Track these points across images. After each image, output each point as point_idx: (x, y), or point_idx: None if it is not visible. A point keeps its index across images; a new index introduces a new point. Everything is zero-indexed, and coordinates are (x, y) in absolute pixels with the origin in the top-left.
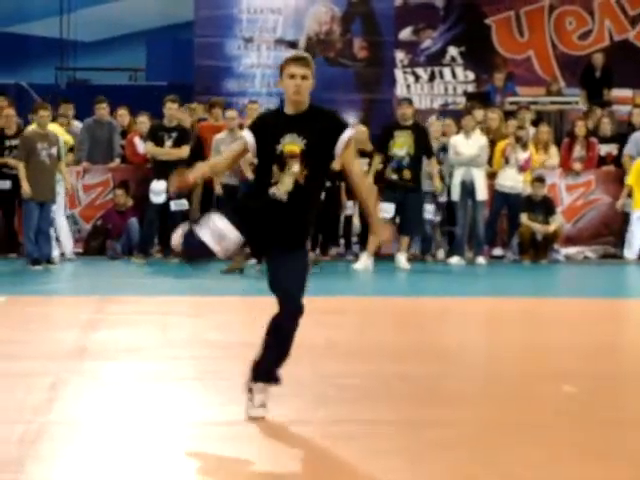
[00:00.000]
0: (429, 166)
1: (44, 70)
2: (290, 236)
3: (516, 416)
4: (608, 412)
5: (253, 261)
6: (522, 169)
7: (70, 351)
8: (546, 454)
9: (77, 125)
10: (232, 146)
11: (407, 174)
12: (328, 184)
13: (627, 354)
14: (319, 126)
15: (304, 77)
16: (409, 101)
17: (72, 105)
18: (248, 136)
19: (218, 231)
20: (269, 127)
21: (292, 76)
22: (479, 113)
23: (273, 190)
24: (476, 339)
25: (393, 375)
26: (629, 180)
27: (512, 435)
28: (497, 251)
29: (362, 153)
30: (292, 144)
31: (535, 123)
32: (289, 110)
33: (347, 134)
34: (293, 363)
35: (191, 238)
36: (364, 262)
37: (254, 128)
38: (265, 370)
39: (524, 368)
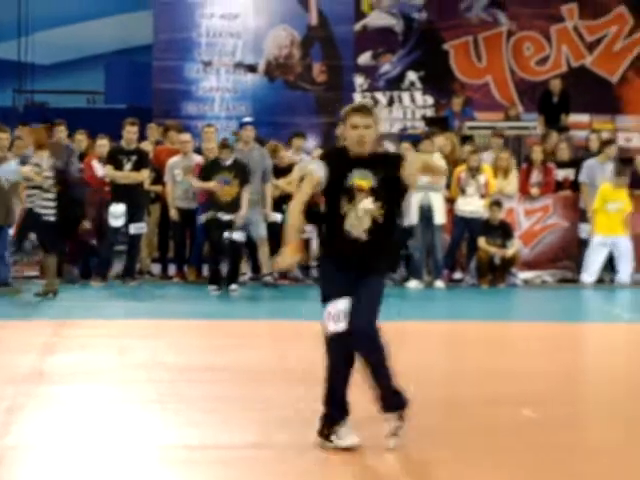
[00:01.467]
0: None
1: (1, 93)
2: (370, 269)
3: (475, 441)
4: (566, 437)
5: (212, 287)
6: (483, 195)
7: (27, 375)
8: (503, 477)
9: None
10: (303, 188)
11: None
12: (285, 207)
13: (585, 378)
14: (383, 163)
15: (367, 127)
16: None
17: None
18: (318, 167)
19: (337, 314)
20: (336, 162)
21: (355, 127)
22: (439, 140)
23: (348, 227)
24: (434, 363)
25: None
26: (595, 205)
27: (471, 459)
28: (456, 275)
29: None
30: (361, 179)
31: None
32: (353, 153)
33: (406, 161)
34: (253, 388)
35: None
36: None
37: (324, 159)
38: (385, 399)
39: (483, 392)
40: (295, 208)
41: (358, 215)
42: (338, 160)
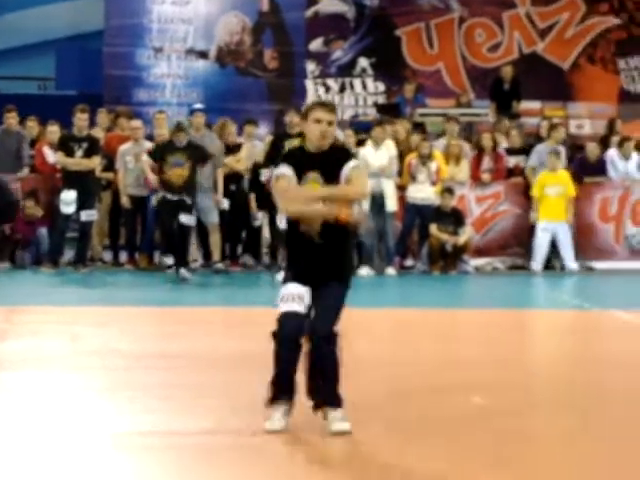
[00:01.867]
0: None
1: None
2: (329, 271)
3: (424, 427)
4: (514, 424)
5: (183, 270)
6: (434, 182)
7: None
8: (456, 465)
9: None
10: (285, 186)
11: None
12: (233, 187)
13: (534, 365)
14: (334, 162)
15: (330, 123)
16: (296, 109)
17: None
18: (286, 170)
19: (297, 295)
20: (295, 163)
21: (318, 121)
22: (394, 126)
23: (304, 228)
24: (384, 350)
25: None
26: (534, 192)
27: (419, 445)
28: (408, 262)
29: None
30: (314, 182)
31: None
32: (311, 149)
33: (351, 164)
34: (205, 375)
35: None
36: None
37: (286, 162)
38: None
39: (433, 380)
40: (293, 189)
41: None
42: (297, 161)
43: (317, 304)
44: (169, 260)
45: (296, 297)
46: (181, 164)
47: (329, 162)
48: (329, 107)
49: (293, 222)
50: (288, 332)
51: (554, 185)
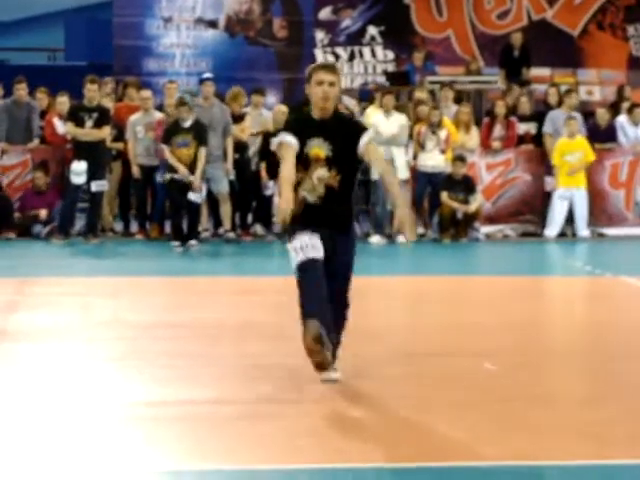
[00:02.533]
0: None
1: None
2: (334, 227)
3: (437, 394)
4: (525, 389)
5: (175, 243)
6: (442, 150)
7: None
8: (466, 431)
9: None
10: (286, 156)
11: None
12: (237, 156)
13: (546, 330)
14: (343, 132)
15: (332, 84)
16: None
17: None
18: (289, 138)
19: (312, 244)
20: (298, 130)
21: (320, 82)
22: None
23: (304, 194)
24: (397, 318)
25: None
26: (554, 161)
27: (433, 412)
28: (419, 230)
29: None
30: (319, 148)
31: (456, 102)
32: (316, 114)
33: (367, 136)
34: (214, 344)
35: None
36: None
37: (288, 129)
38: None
39: (445, 345)
40: (285, 171)
41: (313, 183)
42: (300, 127)
43: (332, 268)
44: (178, 247)
45: (310, 245)
46: (187, 144)
47: (337, 131)
48: (330, 68)
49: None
50: (313, 273)
51: (573, 152)
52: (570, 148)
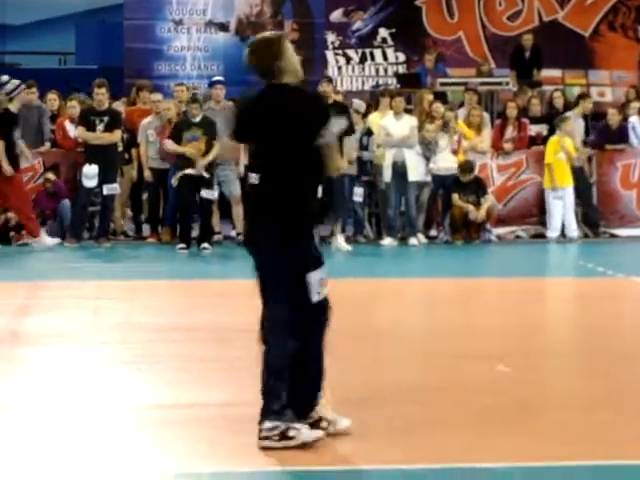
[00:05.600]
0: (347, 145)
1: None
2: None
3: (449, 396)
4: (537, 391)
5: (181, 245)
6: (455, 152)
7: (1, 337)
8: (477, 433)
9: None
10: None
11: None
12: None
13: (558, 332)
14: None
15: None
16: (328, 79)
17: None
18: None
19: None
20: None
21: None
22: (385, 101)
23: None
24: (409, 320)
25: (330, 356)
26: (547, 159)
27: (443, 414)
28: (431, 232)
29: None
30: None
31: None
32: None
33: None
34: (226, 347)
35: None
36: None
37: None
38: None
39: (457, 348)
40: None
41: None
42: None
43: None
44: (183, 250)
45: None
46: (197, 138)
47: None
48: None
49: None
50: None
51: (562, 150)
52: (559, 147)
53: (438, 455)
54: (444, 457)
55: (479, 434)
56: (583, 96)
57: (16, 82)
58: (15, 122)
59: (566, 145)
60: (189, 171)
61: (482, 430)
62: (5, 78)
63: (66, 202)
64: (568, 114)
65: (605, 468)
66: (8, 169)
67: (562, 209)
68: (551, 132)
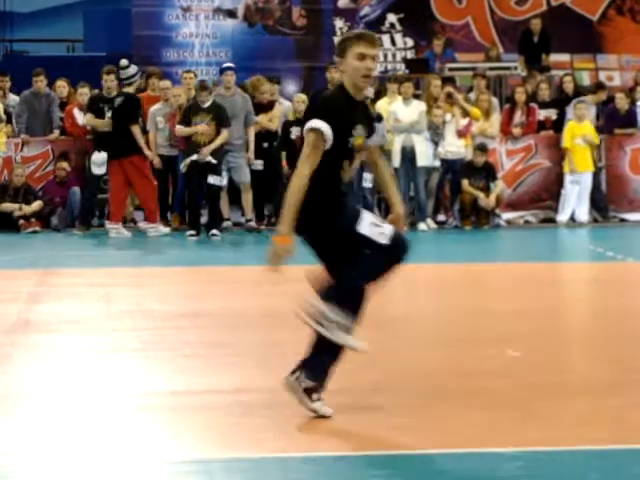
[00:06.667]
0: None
1: None
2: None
3: (461, 380)
4: (548, 376)
5: (191, 232)
6: (461, 135)
7: (13, 324)
8: (488, 417)
9: (13, 98)
10: (314, 153)
11: None
12: (266, 145)
13: (569, 316)
14: (369, 116)
15: (374, 58)
16: (336, 65)
17: (8, 77)
18: (324, 127)
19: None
20: (340, 118)
21: (362, 57)
22: (393, 86)
23: (342, 189)
24: (420, 305)
25: None
26: (565, 143)
27: (455, 398)
28: (440, 217)
29: (300, 122)
30: (360, 137)
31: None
32: (356, 95)
33: (384, 128)
34: (237, 333)
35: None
36: None
37: (328, 117)
38: None
39: (467, 333)
40: (301, 181)
41: (348, 176)
42: (342, 114)
43: None
44: (192, 237)
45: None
46: (206, 124)
47: (367, 115)
48: (374, 40)
49: (336, 181)
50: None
51: (583, 134)
52: (580, 131)
53: (442, 439)
54: (449, 442)
55: (489, 418)
56: (601, 86)
57: (135, 68)
58: (140, 107)
59: (587, 131)
60: (195, 157)
61: (492, 414)
62: (125, 62)
63: (75, 189)
64: (584, 98)
65: (617, 452)
66: (150, 154)
67: (575, 195)
68: (560, 117)
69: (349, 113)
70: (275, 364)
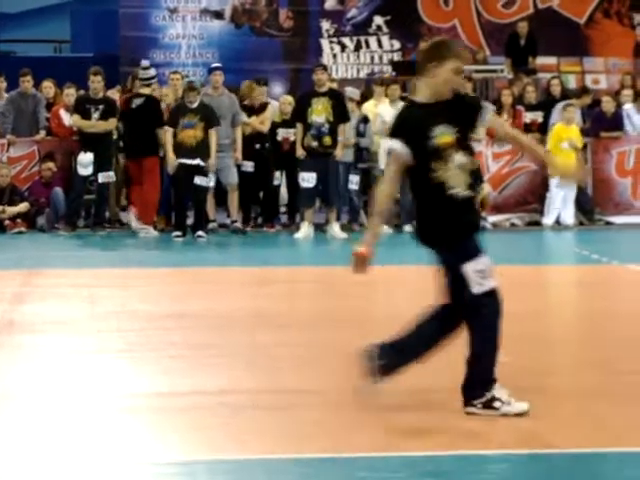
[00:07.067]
0: (342, 132)
1: None
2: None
3: (449, 383)
4: (536, 381)
5: (176, 233)
6: None
7: None
8: (471, 421)
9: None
10: (393, 170)
11: (327, 140)
12: (258, 146)
13: (555, 319)
14: (461, 110)
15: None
16: (323, 67)
17: (3, 77)
18: (402, 148)
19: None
20: (412, 132)
21: (458, 72)
22: (379, 89)
23: (452, 192)
24: (405, 307)
25: (327, 344)
26: (548, 146)
27: (443, 401)
28: None
29: (287, 123)
30: (446, 135)
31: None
32: (431, 99)
33: (489, 112)
34: (223, 335)
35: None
36: (305, 231)
37: (400, 133)
38: None
39: (456, 336)
40: (385, 191)
41: (457, 173)
42: (417, 123)
43: None
44: (178, 238)
45: (492, 270)
46: (193, 125)
47: (457, 109)
48: (467, 57)
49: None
50: (500, 308)
51: (568, 139)
52: (567, 134)
53: (441, 442)
54: (445, 444)
55: (478, 421)
56: (586, 90)
57: (154, 71)
58: (160, 109)
59: (573, 134)
60: (184, 160)
61: (480, 418)
62: (147, 63)
63: (58, 190)
64: (572, 101)
65: (601, 455)
66: (172, 158)
67: (560, 198)
68: (546, 119)
69: (419, 120)
70: (260, 365)
